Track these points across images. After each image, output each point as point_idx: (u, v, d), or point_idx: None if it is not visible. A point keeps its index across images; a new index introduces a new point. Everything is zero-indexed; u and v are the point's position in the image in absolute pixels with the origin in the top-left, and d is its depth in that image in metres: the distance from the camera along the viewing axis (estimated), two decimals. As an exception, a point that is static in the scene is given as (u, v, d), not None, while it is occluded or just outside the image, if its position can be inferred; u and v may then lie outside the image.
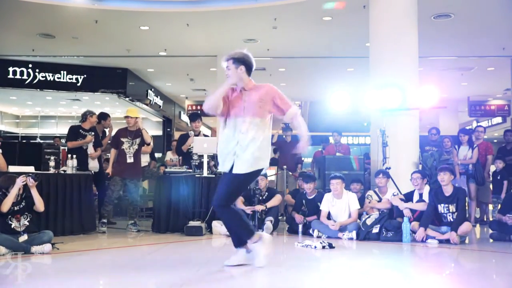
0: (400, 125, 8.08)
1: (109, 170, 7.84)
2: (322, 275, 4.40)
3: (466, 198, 7.35)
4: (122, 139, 7.70)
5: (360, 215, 6.97)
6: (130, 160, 7.62)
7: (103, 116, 8.62)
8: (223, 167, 4.33)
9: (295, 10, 9.73)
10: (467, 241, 6.44)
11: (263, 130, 4.30)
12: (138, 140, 7.72)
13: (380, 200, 7.18)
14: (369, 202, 7.16)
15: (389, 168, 7.59)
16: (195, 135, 8.02)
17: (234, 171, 4.24)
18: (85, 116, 8.04)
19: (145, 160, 8.78)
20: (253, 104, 4.30)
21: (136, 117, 7.77)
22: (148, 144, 8.06)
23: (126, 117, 7.72)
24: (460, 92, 16.93)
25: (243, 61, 4.35)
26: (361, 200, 7.27)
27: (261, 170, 4.34)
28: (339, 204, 6.96)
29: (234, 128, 4.30)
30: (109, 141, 8.39)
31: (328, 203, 7.01)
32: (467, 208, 7.75)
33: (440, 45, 11.70)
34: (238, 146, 4.24)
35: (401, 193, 7.20)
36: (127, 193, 7.84)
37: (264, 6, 9.54)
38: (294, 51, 12.60)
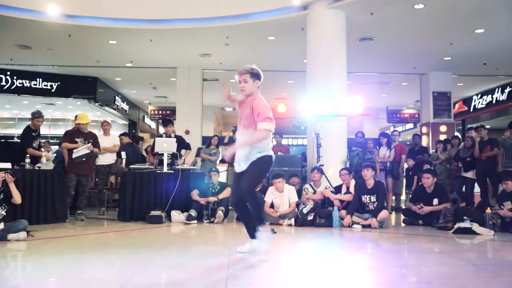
0: (331, 129, 8.20)
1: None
2: (266, 256, 4.39)
3: (385, 190, 7.56)
4: (76, 139, 7.32)
5: (297, 205, 7.03)
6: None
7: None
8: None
9: (244, 30, 9.71)
10: (385, 225, 6.62)
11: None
12: (90, 141, 7.37)
13: (314, 192, 7.27)
14: (306, 194, 7.23)
15: (322, 165, 7.70)
16: (167, 137, 7.96)
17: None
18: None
19: (112, 158, 8.48)
20: (245, 117, 4.03)
21: (88, 122, 7.42)
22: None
23: (79, 123, 7.35)
24: (380, 102, 17.46)
25: (259, 77, 4.10)
26: (299, 192, 7.34)
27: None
28: (281, 197, 7.00)
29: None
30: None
31: (272, 195, 7.05)
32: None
33: (364, 63, 11.98)
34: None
35: (332, 186, 7.32)
36: (79, 187, 7.33)
37: (217, 26, 9.48)
38: (243, 65, 12.51)
